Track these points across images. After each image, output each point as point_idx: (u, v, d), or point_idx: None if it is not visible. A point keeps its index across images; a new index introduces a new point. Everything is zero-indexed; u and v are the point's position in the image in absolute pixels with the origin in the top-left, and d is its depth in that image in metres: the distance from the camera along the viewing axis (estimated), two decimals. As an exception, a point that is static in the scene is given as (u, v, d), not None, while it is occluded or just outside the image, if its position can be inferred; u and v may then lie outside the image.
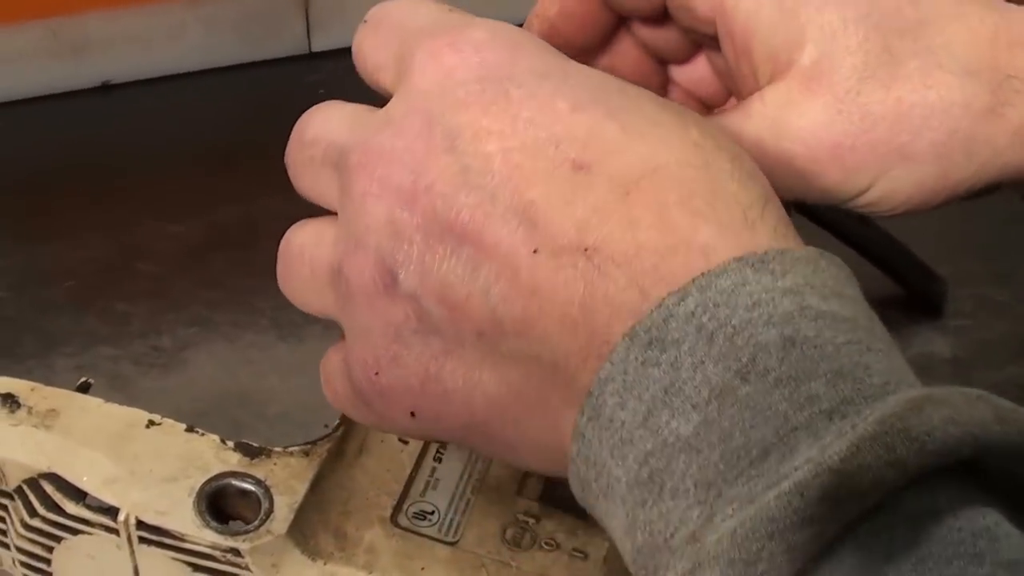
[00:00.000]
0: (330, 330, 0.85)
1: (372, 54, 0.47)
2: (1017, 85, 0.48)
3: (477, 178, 0.40)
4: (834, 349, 0.38)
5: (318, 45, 1.07)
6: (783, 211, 0.42)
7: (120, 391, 0.78)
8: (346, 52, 1.02)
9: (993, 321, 0.85)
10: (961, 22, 0.48)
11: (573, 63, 0.44)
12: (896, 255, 0.85)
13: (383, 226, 0.42)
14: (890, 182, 0.48)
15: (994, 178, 0.49)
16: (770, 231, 0.41)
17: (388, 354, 0.44)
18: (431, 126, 0.42)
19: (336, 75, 1.06)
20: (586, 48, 0.55)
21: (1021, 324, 0.85)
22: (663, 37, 0.56)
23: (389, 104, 0.44)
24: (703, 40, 0.54)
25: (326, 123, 0.47)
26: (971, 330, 0.85)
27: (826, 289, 0.39)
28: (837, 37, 0.47)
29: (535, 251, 0.40)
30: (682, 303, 0.38)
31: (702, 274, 0.38)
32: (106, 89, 1.02)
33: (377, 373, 0.44)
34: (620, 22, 0.55)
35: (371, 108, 0.46)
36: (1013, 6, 0.49)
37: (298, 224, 0.49)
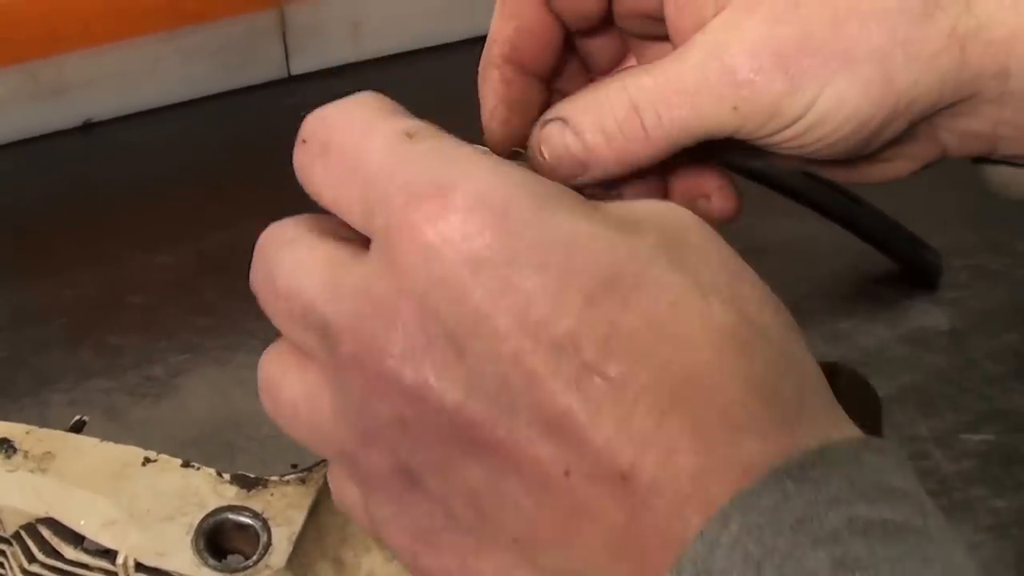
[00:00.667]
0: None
1: (327, 190, 0.41)
2: None
3: (491, 383, 0.36)
4: (888, 568, 0.34)
5: (297, 68, 1.06)
6: (825, 390, 0.39)
7: (114, 423, 0.77)
8: (325, 74, 1.01)
9: (989, 290, 0.85)
10: None
11: (569, 208, 0.38)
12: (888, 230, 0.84)
13: (393, 425, 0.37)
14: (836, 89, 0.46)
15: (935, 93, 0.47)
16: (811, 424, 0.37)
17: (422, 543, 0.39)
18: (426, 317, 0.37)
19: (315, 98, 1.04)
20: (542, 74, 0.53)
21: (1017, 292, 0.84)
22: (601, 47, 0.54)
23: (370, 265, 0.38)
24: (643, 26, 0.53)
25: (297, 273, 0.40)
26: (967, 300, 0.84)
27: (874, 491, 0.36)
28: None
29: (566, 472, 0.36)
30: (725, 530, 0.34)
31: (742, 494, 0.35)
32: (88, 127, 1.01)
33: (415, 556, 0.40)
34: (568, 45, 0.54)
35: (344, 256, 0.39)
36: None
37: (276, 359, 0.42)
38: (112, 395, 0.79)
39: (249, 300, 0.91)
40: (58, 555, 0.54)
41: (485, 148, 0.41)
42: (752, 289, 0.39)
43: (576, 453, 0.35)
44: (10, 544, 0.55)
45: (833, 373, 0.54)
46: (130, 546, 0.52)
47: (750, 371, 0.36)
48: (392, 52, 1.09)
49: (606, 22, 0.53)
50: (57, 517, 0.54)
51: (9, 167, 0.97)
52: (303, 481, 0.55)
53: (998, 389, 0.77)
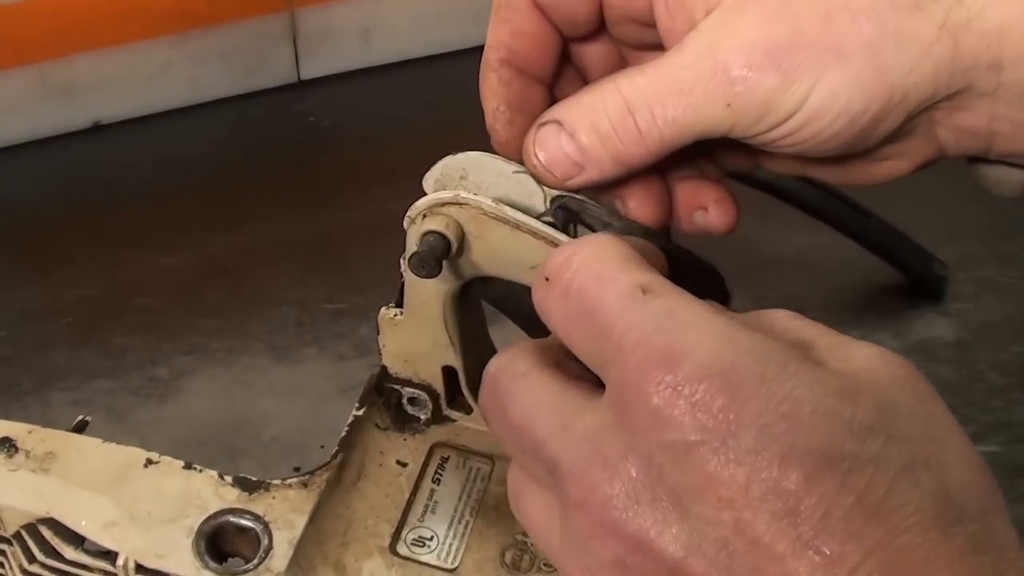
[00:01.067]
0: (325, 351, 0.84)
1: (563, 328, 0.43)
2: None
3: (711, 545, 0.38)
4: None
5: (307, 73, 1.06)
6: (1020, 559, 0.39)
7: (118, 423, 0.77)
8: (335, 79, 0.99)
9: (995, 303, 0.85)
10: None
11: (794, 375, 0.39)
12: (895, 242, 0.84)
13: (613, 566, 0.39)
14: (829, 83, 0.46)
15: (929, 85, 0.47)
16: None
17: None
18: (652, 476, 0.39)
19: (325, 102, 1.05)
20: (541, 77, 0.53)
21: (1022, 304, 0.84)
22: (597, 55, 0.55)
23: (600, 416, 0.40)
24: (635, 33, 0.53)
25: (529, 409, 0.42)
26: (973, 312, 0.84)
27: None
28: None
29: None
30: None
31: None
32: (97, 129, 1.01)
33: None
34: (564, 52, 0.54)
35: (575, 398, 0.41)
36: None
37: (520, 475, 0.44)
38: (116, 396, 0.79)
39: (253, 303, 0.91)
40: (58, 556, 0.53)
41: (715, 305, 0.42)
42: (958, 455, 0.39)
43: None
44: (10, 544, 0.55)
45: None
46: (131, 548, 0.52)
47: (953, 549, 0.37)
48: (402, 58, 1.08)
49: (600, 29, 0.53)
50: (58, 517, 0.53)
51: (18, 167, 0.97)
52: (305, 485, 0.55)
53: (1003, 401, 0.77)
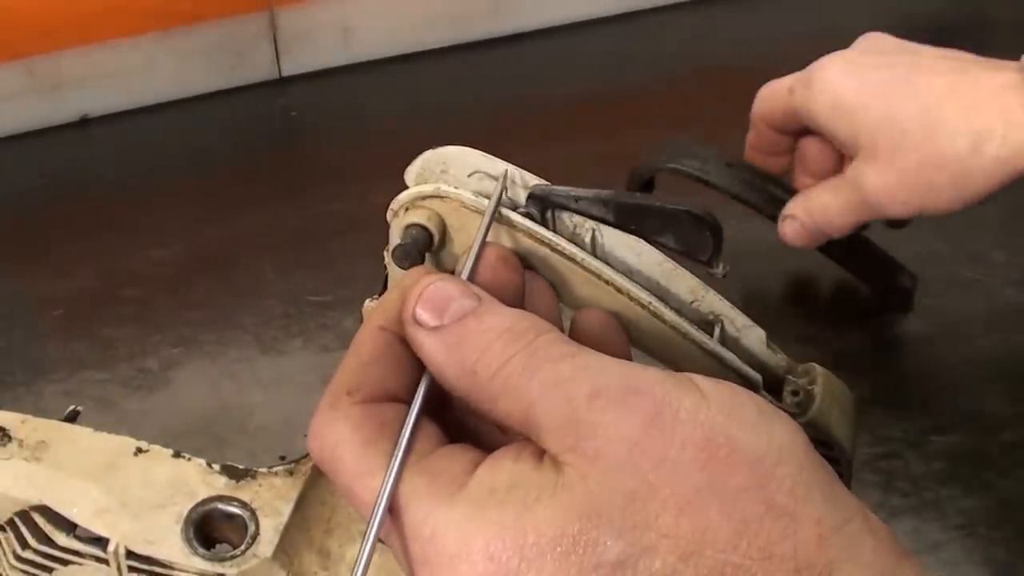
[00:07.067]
0: (310, 343, 0.84)
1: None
2: None
3: None
4: None
5: (287, 70, 1.06)
6: None
7: (108, 414, 0.76)
8: (315, 76, 0.99)
9: (963, 298, 0.85)
10: None
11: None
12: (863, 253, 0.83)
13: None
14: None
15: None
16: None
17: None
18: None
19: (306, 98, 1.05)
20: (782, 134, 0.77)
21: (991, 301, 0.85)
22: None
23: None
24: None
25: None
26: (942, 307, 0.84)
27: None
28: None
29: None
30: None
31: None
32: (84, 123, 1.01)
33: None
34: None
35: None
36: None
37: None
38: (106, 386, 0.79)
39: (240, 295, 0.91)
40: (51, 542, 0.54)
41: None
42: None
43: None
44: (4, 531, 0.55)
45: (809, 375, 0.54)
46: (121, 534, 0.52)
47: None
48: (381, 56, 1.09)
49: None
50: (50, 505, 0.53)
51: (6, 161, 0.97)
52: (290, 473, 0.55)
53: (968, 393, 0.78)
